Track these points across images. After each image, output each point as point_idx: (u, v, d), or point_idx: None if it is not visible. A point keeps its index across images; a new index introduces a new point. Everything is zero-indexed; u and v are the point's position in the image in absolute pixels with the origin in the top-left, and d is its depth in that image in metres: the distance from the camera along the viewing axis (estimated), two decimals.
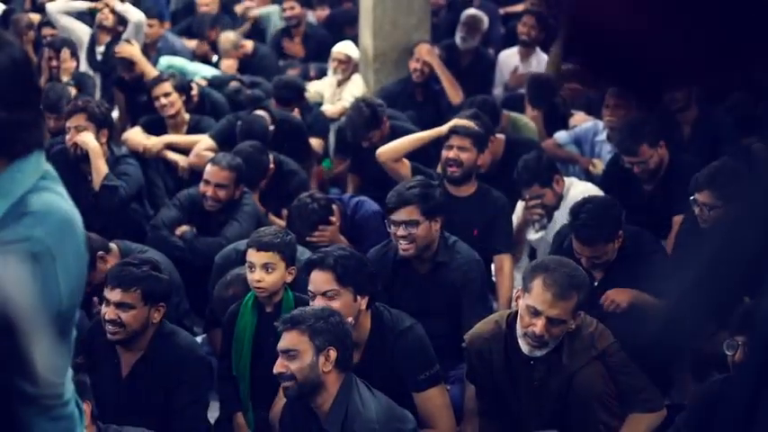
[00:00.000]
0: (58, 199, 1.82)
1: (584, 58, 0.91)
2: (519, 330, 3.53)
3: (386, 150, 5.32)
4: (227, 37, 8.34)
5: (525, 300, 3.49)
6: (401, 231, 4.19)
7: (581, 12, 0.89)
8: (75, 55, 7.17)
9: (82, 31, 7.65)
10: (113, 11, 7.54)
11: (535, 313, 3.46)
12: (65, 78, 6.89)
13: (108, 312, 3.67)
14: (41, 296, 1.70)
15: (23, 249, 1.74)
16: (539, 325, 3.45)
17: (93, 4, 7.70)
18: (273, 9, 9.45)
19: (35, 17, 7.94)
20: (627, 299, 4.11)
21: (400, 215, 4.20)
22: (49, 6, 7.85)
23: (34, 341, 1.08)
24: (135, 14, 7.56)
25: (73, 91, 6.78)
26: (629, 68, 0.88)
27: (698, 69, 0.86)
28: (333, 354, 3.30)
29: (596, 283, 4.19)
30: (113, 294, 3.68)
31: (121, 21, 7.54)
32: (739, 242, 0.90)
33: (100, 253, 4.38)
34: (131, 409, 3.74)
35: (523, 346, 3.53)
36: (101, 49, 7.60)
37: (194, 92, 6.58)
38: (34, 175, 1.81)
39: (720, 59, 0.84)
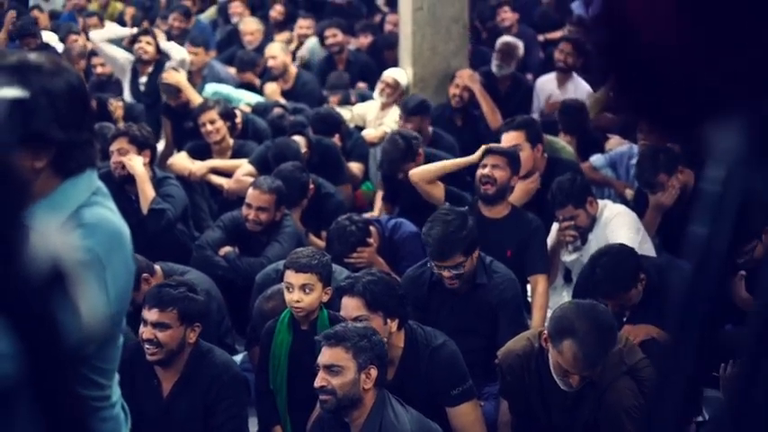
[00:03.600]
0: (109, 213, 1.97)
1: (626, 89, 0.84)
2: (552, 371, 3.61)
3: (418, 172, 5.41)
4: (274, 47, 8.36)
5: (555, 357, 3.55)
6: (447, 273, 4.29)
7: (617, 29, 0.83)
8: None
9: (125, 59, 7.89)
10: (150, 43, 7.75)
11: (568, 371, 3.55)
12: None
13: (145, 332, 3.75)
14: (93, 300, 1.85)
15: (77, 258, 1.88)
16: (575, 380, 3.55)
17: (133, 31, 7.95)
18: (313, 41, 9.52)
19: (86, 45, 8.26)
20: (642, 334, 4.13)
21: (446, 263, 4.28)
22: (93, 35, 8.19)
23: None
24: (178, 53, 7.76)
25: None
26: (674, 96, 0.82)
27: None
28: (374, 372, 3.41)
29: (625, 318, 4.26)
30: (151, 314, 3.76)
31: (161, 51, 7.75)
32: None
33: (144, 275, 4.44)
34: (174, 428, 3.83)
35: (560, 384, 3.61)
36: (143, 80, 7.81)
37: (238, 119, 6.74)
38: (87, 191, 1.95)
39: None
